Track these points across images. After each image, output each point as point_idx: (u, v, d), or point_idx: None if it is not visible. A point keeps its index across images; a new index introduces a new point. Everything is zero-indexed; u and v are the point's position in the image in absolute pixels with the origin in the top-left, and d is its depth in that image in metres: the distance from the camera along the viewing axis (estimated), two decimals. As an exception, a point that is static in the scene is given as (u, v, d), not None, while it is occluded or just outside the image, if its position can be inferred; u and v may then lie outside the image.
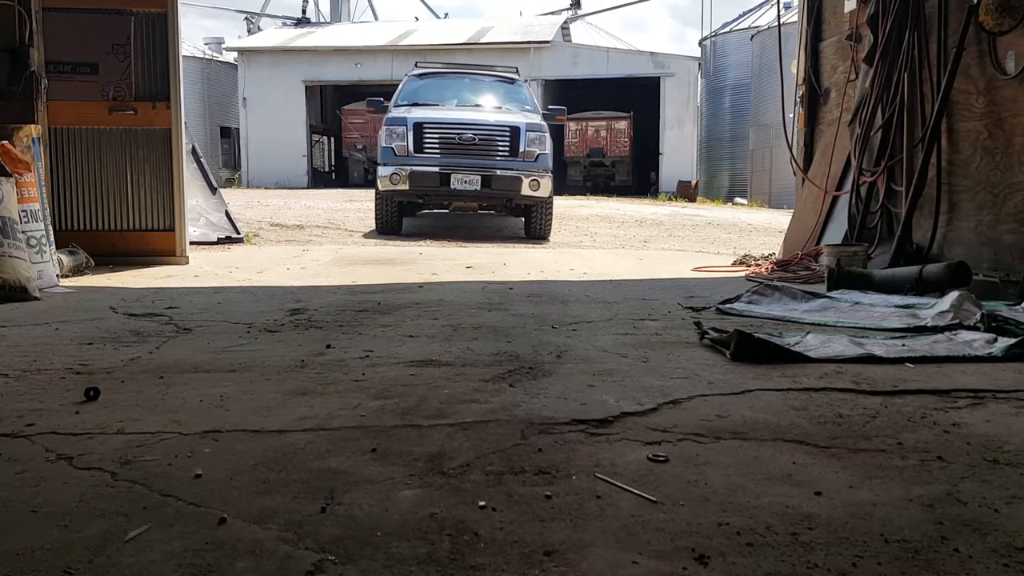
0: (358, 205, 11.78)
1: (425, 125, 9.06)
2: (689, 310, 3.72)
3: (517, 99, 10.35)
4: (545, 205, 9.08)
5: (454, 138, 8.95)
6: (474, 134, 9.01)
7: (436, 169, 8.85)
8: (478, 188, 8.80)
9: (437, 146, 8.99)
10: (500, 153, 9.05)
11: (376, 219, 9.23)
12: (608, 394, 2.20)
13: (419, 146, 8.98)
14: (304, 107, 22.70)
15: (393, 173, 8.79)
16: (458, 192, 8.91)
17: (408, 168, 8.80)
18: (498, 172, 8.86)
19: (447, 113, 9.56)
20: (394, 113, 9.59)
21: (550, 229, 9.31)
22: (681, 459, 1.68)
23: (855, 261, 4.76)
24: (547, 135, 9.30)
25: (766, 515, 1.39)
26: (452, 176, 8.78)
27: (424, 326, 3.27)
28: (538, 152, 9.05)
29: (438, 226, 10.48)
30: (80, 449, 1.72)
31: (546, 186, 8.93)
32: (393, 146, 9.02)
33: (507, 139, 9.09)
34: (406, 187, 8.78)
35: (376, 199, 9.15)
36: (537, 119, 9.53)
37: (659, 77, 22.21)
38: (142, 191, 5.80)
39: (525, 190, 8.83)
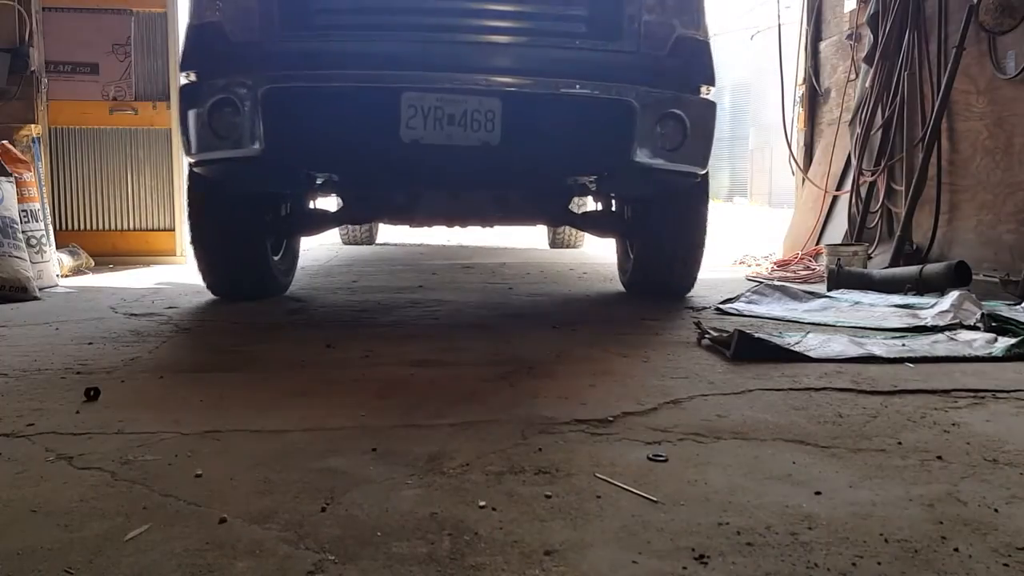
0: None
1: None
2: (689, 310, 3.72)
3: None
4: (692, 202, 3.74)
5: None
6: None
7: (350, 79, 2.91)
8: (493, 139, 2.88)
9: (356, 11, 3.06)
10: (563, 28, 3.06)
11: (200, 260, 3.77)
12: (608, 394, 2.20)
13: (297, 13, 2.99)
14: (304, 107, 22.64)
15: (215, 101, 2.98)
16: (426, 152, 2.92)
17: (263, 86, 2.90)
18: (561, 87, 2.92)
19: None
20: None
21: (696, 271, 3.97)
22: (681, 459, 1.68)
23: (855, 261, 4.76)
24: None
25: (766, 515, 1.39)
26: (404, 99, 2.84)
27: (424, 326, 3.27)
28: (678, 31, 3.10)
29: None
30: (80, 449, 1.72)
31: (701, 141, 3.24)
32: (221, 21, 3.01)
33: None
34: (255, 147, 2.94)
35: (188, 202, 3.72)
36: None
37: (659, 77, 22.20)
38: (142, 191, 5.81)
39: (645, 149, 3.04)
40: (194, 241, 3.81)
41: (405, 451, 1.71)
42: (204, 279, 3.88)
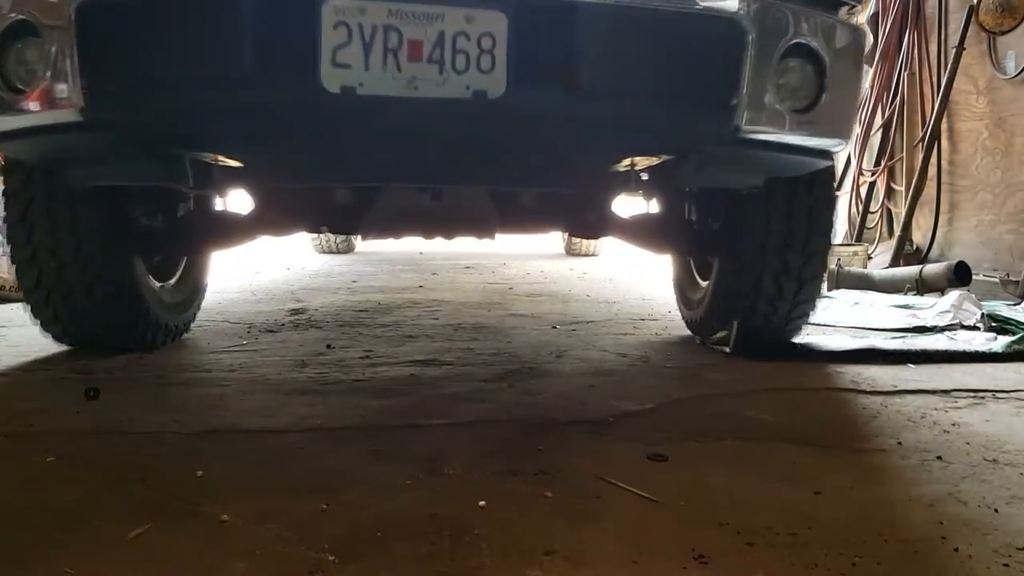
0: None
1: None
2: (689, 310, 3.71)
3: None
4: (815, 197, 2.42)
5: None
6: None
7: None
8: (494, 87, 1.60)
9: None
10: None
11: (25, 288, 2.44)
12: (608, 394, 2.20)
13: None
14: (304, 107, 22.60)
15: (5, 31, 1.67)
16: (370, 110, 1.65)
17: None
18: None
19: None
20: None
21: (814, 304, 2.65)
22: (681, 459, 1.68)
23: (855, 261, 4.76)
24: None
25: (766, 515, 1.39)
26: (327, 12, 1.54)
27: (424, 326, 3.27)
28: None
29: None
30: (80, 449, 1.72)
31: (844, 96, 1.96)
32: None
33: None
34: (71, 108, 1.67)
35: (3, 198, 2.40)
36: None
37: (659, 77, 22.18)
38: (142, 191, 5.78)
39: (758, 108, 1.77)
40: (14, 257, 2.43)
41: (405, 451, 1.71)
42: (36, 317, 2.54)
